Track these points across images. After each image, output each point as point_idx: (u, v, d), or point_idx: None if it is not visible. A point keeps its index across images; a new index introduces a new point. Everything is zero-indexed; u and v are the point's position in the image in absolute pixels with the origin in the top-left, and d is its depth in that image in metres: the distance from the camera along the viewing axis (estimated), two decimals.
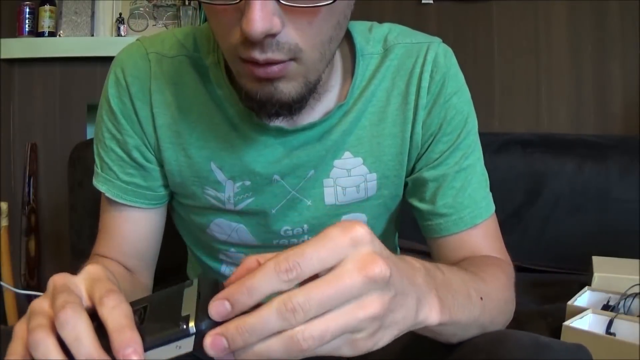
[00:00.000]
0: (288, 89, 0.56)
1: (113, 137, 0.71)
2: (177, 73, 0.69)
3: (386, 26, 0.73)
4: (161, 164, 0.72)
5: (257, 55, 0.52)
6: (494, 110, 1.77)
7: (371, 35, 0.71)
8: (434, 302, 0.44)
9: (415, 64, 0.69)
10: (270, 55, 0.52)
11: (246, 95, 0.57)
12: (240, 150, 0.68)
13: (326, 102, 0.68)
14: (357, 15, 0.71)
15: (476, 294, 0.53)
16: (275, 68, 0.53)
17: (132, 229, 0.73)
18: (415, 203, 0.72)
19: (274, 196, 0.70)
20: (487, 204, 0.71)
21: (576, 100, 1.75)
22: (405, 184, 0.74)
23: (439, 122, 0.69)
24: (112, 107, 0.69)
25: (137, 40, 0.72)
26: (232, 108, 0.67)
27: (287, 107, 0.57)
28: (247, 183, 0.70)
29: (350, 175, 0.70)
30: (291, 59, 0.53)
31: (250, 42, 0.51)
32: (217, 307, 0.36)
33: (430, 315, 0.43)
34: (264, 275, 0.36)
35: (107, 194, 0.71)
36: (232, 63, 0.57)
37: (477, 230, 0.69)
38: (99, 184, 0.72)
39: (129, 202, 0.72)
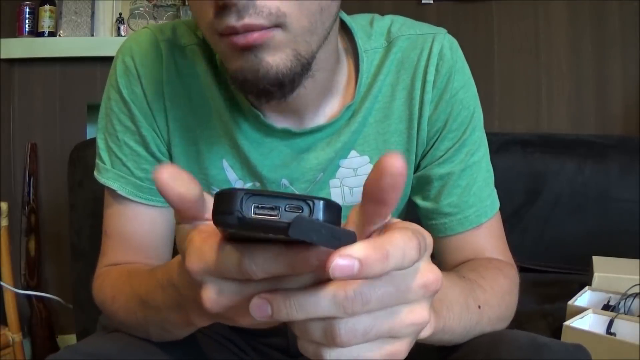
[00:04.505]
0: (275, 61, 0.51)
1: (127, 130, 0.66)
2: (189, 63, 0.65)
3: (388, 18, 0.70)
4: (170, 160, 0.68)
5: (234, 21, 0.48)
6: (494, 110, 1.77)
7: (373, 30, 0.68)
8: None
9: (420, 57, 0.66)
10: (248, 20, 0.48)
11: (231, 78, 0.54)
12: (248, 151, 0.65)
13: (332, 103, 0.66)
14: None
15: (474, 303, 0.53)
16: (255, 34, 0.49)
17: (148, 230, 0.67)
18: (419, 201, 0.70)
19: None
20: (492, 202, 0.69)
21: (576, 100, 1.75)
22: None
23: (445, 118, 0.67)
24: (124, 97, 0.65)
25: (146, 27, 0.68)
26: (239, 107, 0.64)
27: (277, 83, 0.52)
28: (258, 184, 0.67)
29: (357, 174, 0.68)
30: (275, 26, 0.50)
31: (225, 8, 0.48)
32: (343, 267, 0.29)
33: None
34: (402, 243, 0.32)
35: (119, 192, 0.66)
36: (214, 45, 0.54)
37: (481, 229, 0.68)
38: (109, 180, 0.66)
39: (144, 201, 0.66)
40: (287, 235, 0.29)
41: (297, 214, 0.31)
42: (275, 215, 0.31)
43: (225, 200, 0.31)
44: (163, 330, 0.54)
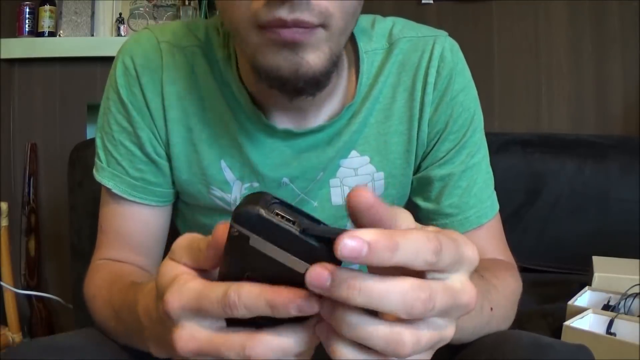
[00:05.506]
0: (314, 60, 0.52)
1: (123, 130, 0.67)
2: (189, 65, 0.66)
3: (390, 20, 0.71)
4: (169, 160, 0.69)
5: (285, 14, 0.48)
6: (494, 110, 1.76)
7: (374, 31, 0.69)
8: None
9: (422, 59, 0.67)
10: (299, 15, 0.49)
11: (266, 74, 0.53)
12: (249, 151, 0.66)
13: (333, 103, 0.66)
14: None
15: (488, 304, 0.53)
16: (303, 32, 0.50)
17: (141, 228, 0.69)
18: (420, 202, 0.71)
19: None
20: (491, 203, 0.69)
21: (576, 100, 1.75)
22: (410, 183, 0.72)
23: (445, 120, 0.67)
24: (122, 98, 0.66)
25: (146, 28, 0.68)
26: (241, 107, 0.65)
27: (314, 82, 0.53)
28: (256, 184, 0.68)
29: (357, 174, 0.69)
30: (320, 25, 0.51)
31: (277, 0, 0.48)
32: (353, 247, 0.28)
33: None
34: (417, 241, 0.30)
35: (114, 190, 0.68)
36: (249, 37, 0.53)
37: (482, 230, 0.68)
38: (104, 179, 0.68)
39: (138, 199, 0.68)
40: (299, 235, 0.31)
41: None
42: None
43: (251, 198, 0.33)
44: (132, 345, 0.54)
